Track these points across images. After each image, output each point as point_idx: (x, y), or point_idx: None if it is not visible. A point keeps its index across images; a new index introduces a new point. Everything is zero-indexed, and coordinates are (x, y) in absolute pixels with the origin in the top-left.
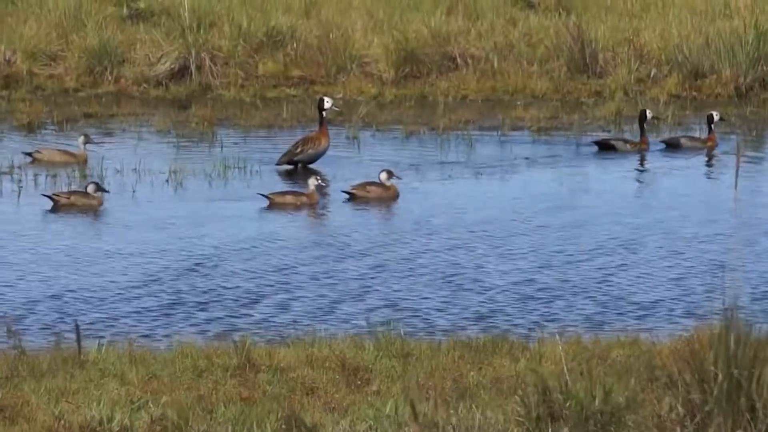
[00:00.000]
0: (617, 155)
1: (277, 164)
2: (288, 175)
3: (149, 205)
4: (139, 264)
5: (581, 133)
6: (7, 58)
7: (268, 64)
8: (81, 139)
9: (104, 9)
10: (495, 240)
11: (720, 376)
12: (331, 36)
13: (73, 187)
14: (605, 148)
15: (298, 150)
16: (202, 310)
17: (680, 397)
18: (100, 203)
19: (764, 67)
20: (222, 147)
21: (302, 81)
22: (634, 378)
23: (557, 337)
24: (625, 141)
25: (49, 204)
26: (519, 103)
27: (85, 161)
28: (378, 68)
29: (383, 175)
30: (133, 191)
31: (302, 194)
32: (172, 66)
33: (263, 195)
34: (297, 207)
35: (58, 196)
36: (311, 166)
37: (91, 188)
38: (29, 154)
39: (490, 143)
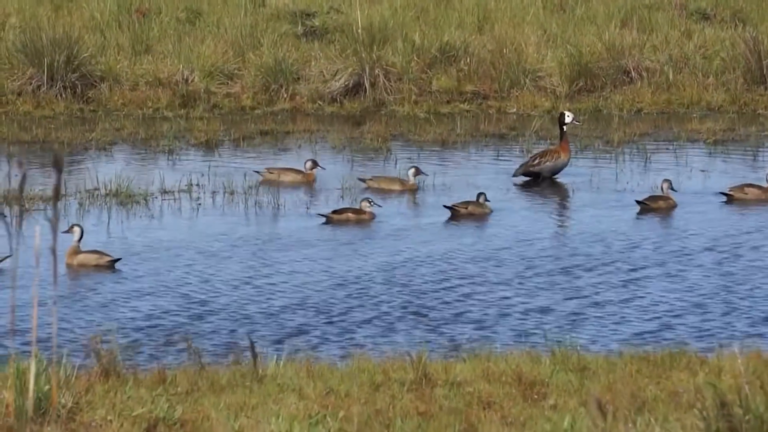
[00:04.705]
0: None
1: (514, 176)
2: (523, 187)
3: (322, 220)
4: (338, 277)
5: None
6: (185, 77)
7: (442, 80)
8: (411, 171)
9: (279, 27)
10: None
11: None
12: (504, 50)
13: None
14: None
15: (536, 162)
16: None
17: None
18: (372, 217)
19: None
20: (396, 162)
21: (475, 96)
22: None
23: (736, 350)
24: None
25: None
26: (695, 115)
27: (416, 191)
28: (551, 82)
29: None
30: (308, 208)
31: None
32: (347, 83)
33: (639, 201)
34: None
35: (337, 213)
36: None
37: (364, 204)
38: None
39: None
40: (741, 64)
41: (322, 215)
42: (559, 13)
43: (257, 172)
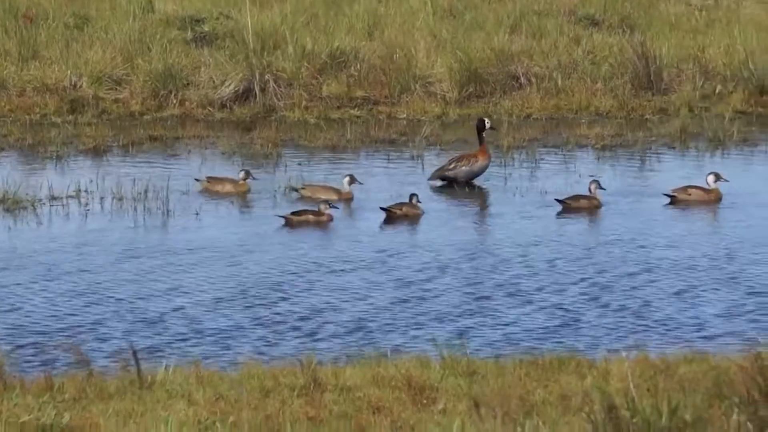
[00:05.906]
0: None
1: (429, 179)
2: (442, 191)
3: (214, 227)
4: (213, 286)
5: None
6: (72, 82)
7: (332, 85)
8: (346, 179)
9: (169, 33)
10: None
11: None
12: (394, 56)
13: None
14: None
15: (452, 166)
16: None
17: (748, 413)
18: (330, 219)
19: None
20: (286, 168)
21: (366, 101)
22: (701, 395)
23: (624, 354)
24: None
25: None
26: (583, 120)
27: (351, 199)
28: (441, 88)
29: (710, 178)
30: (197, 213)
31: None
32: (237, 88)
33: (560, 200)
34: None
35: (296, 215)
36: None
37: (323, 207)
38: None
39: None
40: (629, 69)
41: (281, 216)
42: (448, 19)
43: (197, 180)
